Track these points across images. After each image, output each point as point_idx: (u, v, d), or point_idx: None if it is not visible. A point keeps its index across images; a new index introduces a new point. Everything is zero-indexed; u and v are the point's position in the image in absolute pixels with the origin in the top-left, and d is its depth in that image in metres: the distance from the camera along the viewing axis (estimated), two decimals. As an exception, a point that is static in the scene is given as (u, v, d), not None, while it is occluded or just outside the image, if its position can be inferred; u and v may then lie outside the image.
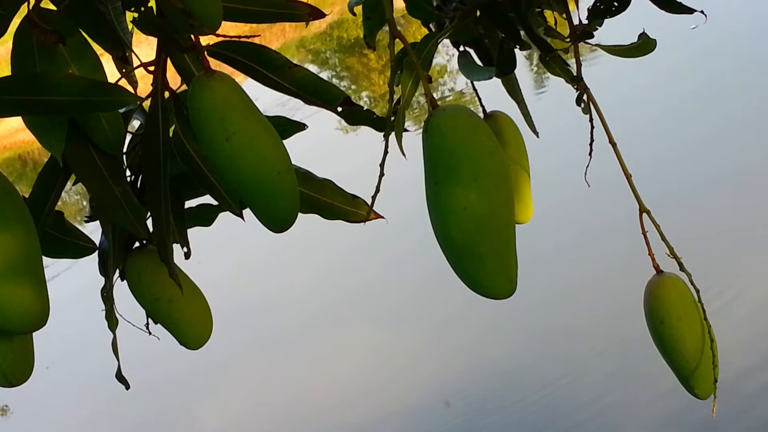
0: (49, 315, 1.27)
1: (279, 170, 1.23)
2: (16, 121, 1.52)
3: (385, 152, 1.28)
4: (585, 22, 1.50)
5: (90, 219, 1.52)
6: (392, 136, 1.27)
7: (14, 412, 7.94)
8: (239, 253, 8.37)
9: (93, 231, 1.58)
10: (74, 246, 1.53)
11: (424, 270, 5.78)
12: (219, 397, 6.91)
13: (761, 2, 12.28)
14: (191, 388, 7.15)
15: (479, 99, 1.73)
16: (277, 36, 20.38)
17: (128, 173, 1.48)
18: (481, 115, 1.67)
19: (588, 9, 1.50)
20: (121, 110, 1.40)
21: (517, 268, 1.18)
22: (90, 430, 7.27)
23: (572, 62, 1.50)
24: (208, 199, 1.52)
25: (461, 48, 1.65)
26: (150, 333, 1.60)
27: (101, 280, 1.52)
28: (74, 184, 1.44)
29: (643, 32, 1.44)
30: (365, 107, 1.41)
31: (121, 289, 1.53)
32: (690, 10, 1.49)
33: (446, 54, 11.31)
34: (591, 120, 1.51)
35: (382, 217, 1.50)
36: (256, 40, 1.36)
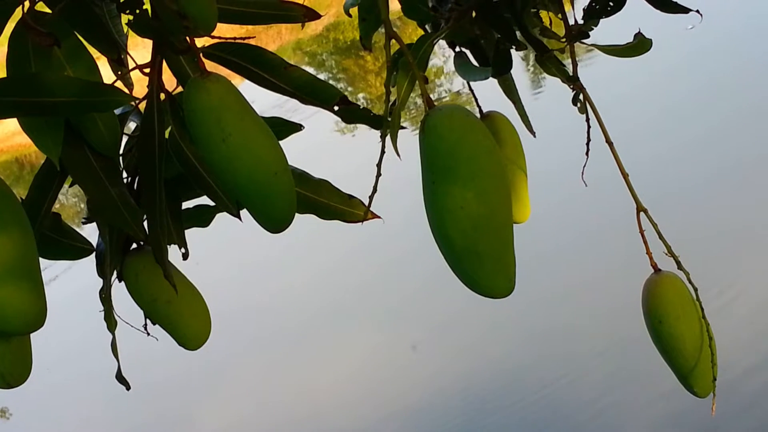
0: (47, 316, 1.27)
1: (275, 171, 1.23)
2: (13, 125, 1.52)
3: (382, 152, 1.28)
4: (581, 22, 1.50)
5: (87, 221, 1.52)
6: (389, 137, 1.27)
7: (14, 413, 7.94)
8: (238, 253, 8.37)
9: (91, 233, 1.58)
10: (72, 248, 1.53)
11: (424, 270, 5.78)
12: (219, 398, 6.91)
13: (757, 1, 12.30)
14: (191, 389, 7.16)
15: (476, 99, 1.73)
16: (273, 38, 20.38)
17: (125, 175, 1.48)
18: (478, 115, 1.67)
19: (583, 9, 1.50)
20: (117, 112, 1.40)
21: (515, 267, 1.18)
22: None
23: (568, 62, 1.50)
24: (205, 200, 1.52)
25: (457, 49, 1.65)
26: (148, 334, 1.60)
27: (99, 282, 1.52)
28: (71, 186, 1.44)
29: (639, 32, 1.44)
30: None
31: (120, 290, 1.53)
32: (686, 10, 1.49)
33: (442, 55, 11.31)
34: (588, 120, 1.51)
35: (379, 218, 1.50)
36: (252, 43, 1.36)
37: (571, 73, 1.48)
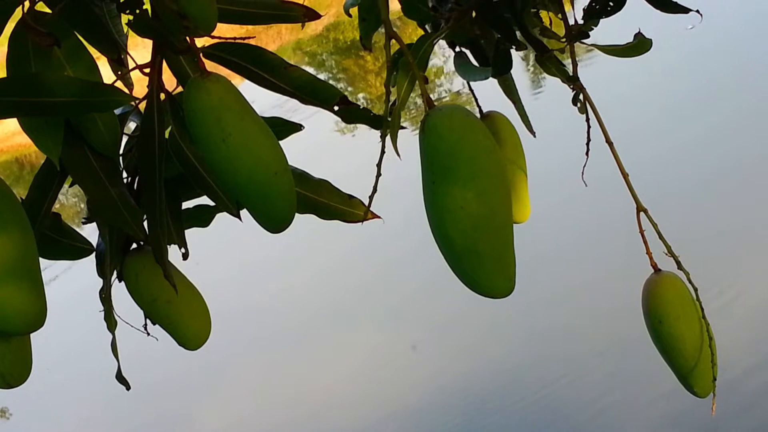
0: (47, 316, 1.27)
1: (275, 171, 1.23)
2: (13, 125, 1.52)
3: (382, 152, 1.28)
4: (580, 22, 1.50)
5: (87, 221, 1.52)
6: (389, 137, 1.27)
7: (14, 413, 7.94)
8: (238, 253, 8.37)
9: (91, 233, 1.59)
10: (72, 248, 1.53)
11: (424, 270, 5.78)
12: (219, 398, 6.92)
13: (757, 1, 12.29)
14: (191, 389, 7.16)
15: (476, 99, 1.73)
16: (273, 39, 20.39)
17: (125, 175, 1.48)
18: (478, 115, 1.67)
19: (583, 9, 1.50)
20: (117, 112, 1.40)
21: (516, 267, 1.18)
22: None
23: (568, 62, 1.50)
24: (205, 200, 1.52)
25: (457, 49, 1.65)
26: (148, 334, 1.60)
27: (99, 282, 1.52)
28: (71, 186, 1.44)
29: (639, 32, 1.44)
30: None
31: (120, 290, 1.53)
32: (686, 10, 1.49)
33: (442, 55, 11.32)
34: (588, 120, 1.51)
35: (379, 218, 1.50)
36: (252, 43, 1.36)
37: (571, 73, 1.48)
